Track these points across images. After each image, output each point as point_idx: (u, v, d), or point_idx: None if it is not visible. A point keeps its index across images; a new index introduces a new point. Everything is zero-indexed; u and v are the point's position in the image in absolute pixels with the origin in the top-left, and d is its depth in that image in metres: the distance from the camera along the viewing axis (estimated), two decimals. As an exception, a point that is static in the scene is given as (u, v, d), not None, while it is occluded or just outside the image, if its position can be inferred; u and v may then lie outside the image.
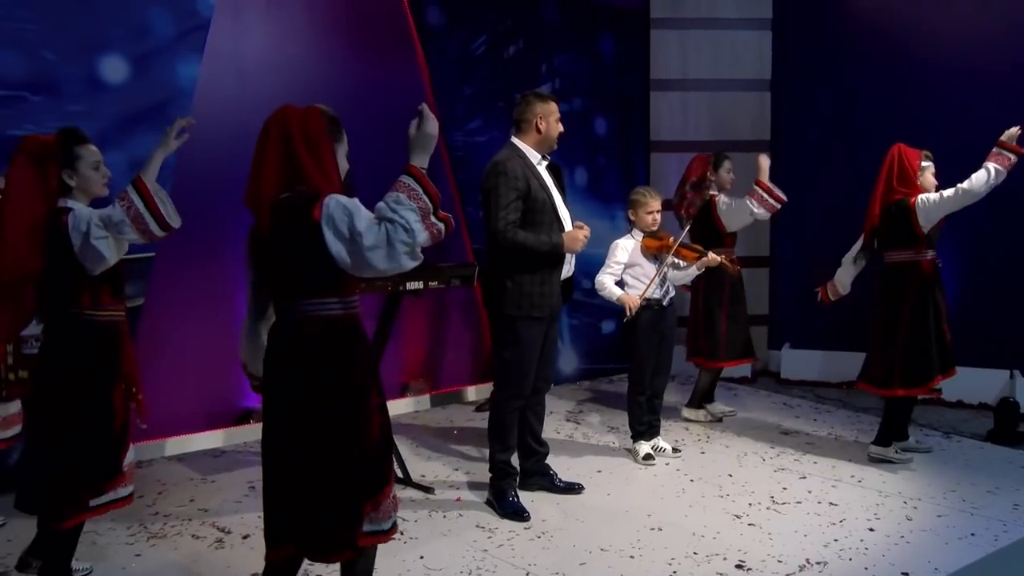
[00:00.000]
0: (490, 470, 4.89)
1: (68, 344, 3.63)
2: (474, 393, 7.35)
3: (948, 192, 5.20)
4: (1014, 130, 5.10)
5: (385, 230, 2.83)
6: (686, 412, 6.68)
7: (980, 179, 5.10)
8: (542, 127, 4.70)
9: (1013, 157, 5.07)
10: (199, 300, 5.84)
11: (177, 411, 5.79)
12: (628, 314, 5.34)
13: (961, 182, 5.16)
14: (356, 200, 2.92)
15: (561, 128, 4.75)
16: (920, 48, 7.51)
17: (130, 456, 3.80)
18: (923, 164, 5.43)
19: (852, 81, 7.85)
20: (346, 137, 3.15)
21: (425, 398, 7.12)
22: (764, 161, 6.40)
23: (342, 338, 3.02)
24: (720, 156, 6.56)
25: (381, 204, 2.86)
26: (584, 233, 4.68)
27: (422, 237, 2.86)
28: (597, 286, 5.51)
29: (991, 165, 5.07)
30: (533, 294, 4.66)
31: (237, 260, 5.70)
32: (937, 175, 5.50)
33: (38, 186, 3.62)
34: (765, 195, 6.28)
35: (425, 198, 2.88)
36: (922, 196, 5.28)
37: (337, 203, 2.90)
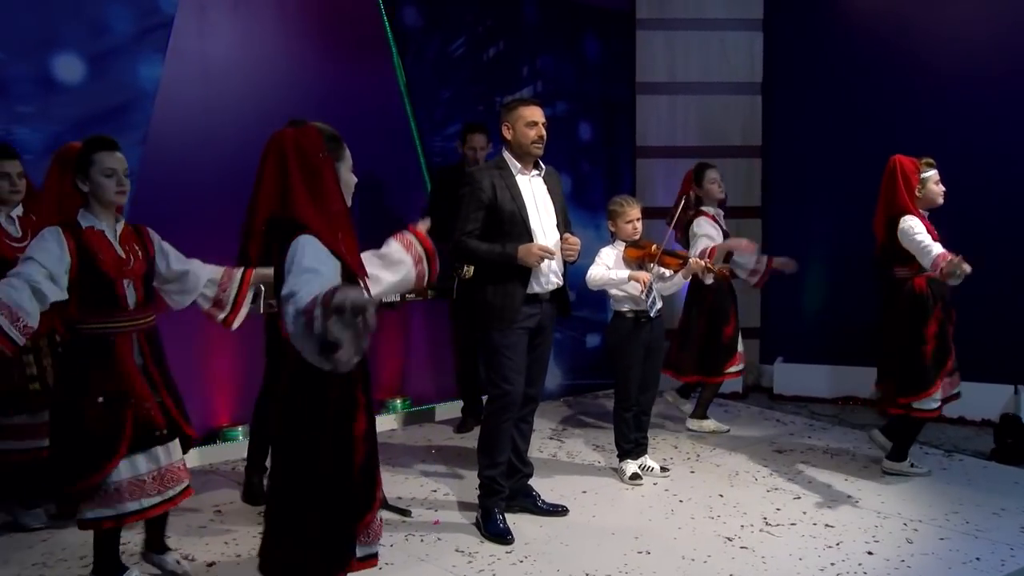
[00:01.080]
0: (479, 487, 4.87)
1: (61, 352, 4.16)
2: (452, 410, 7.26)
3: (918, 239, 5.28)
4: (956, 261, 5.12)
5: (301, 323, 2.62)
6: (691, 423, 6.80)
7: (926, 256, 5.25)
8: (509, 135, 4.74)
9: (946, 274, 5.17)
10: (167, 315, 5.71)
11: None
12: (643, 288, 5.31)
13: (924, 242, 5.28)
14: (324, 258, 2.92)
15: (535, 133, 4.71)
16: (919, 49, 7.51)
17: (122, 473, 3.83)
18: (923, 174, 5.47)
19: (848, 83, 7.84)
20: (348, 152, 3.23)
21: (401, 415, 7.05)
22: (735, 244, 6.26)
23: (306, 371, 2.96)
24: (700, 168, 6.56)
25: (316, 297, 2.58)
26: (539, 247, 4.63)
27: (327, 367, 2.61)
28: (593, 281, 5.44)
29: (940, 262, 5.16)
30: (495, 306, 4.70)
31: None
32: (948, 184, 5.54)
33: (56, 193, 3.90)
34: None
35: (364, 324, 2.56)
36: (906, 219, 5.36)
37: (303, 249, 2.92)
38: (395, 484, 5.51)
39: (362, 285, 3.11)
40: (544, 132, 4.73)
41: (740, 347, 6.67)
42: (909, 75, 7.51)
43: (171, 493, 3.98)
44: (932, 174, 5.49)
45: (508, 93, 7.36)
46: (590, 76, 8.15)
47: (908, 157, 5.48)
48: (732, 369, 6.62)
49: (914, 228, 5.32)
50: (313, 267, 2.87)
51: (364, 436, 3.15)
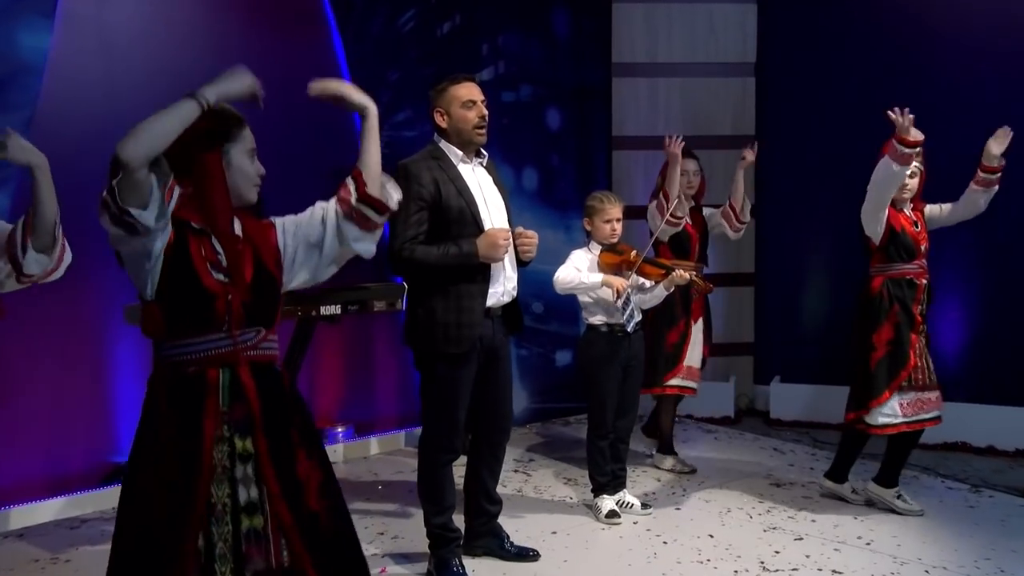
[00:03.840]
0: (428, 536, 4.79)
1: None
2: (404, 440, 7.21)
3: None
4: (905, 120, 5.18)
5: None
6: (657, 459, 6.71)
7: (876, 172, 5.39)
8: (444, 122, 4.62)
9: (904, 149, 5.19)
10: (54, 327, 5.59)
11: (19, 471, 5.48)
12: (616, 297, 5.26)
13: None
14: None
15: (475, 115, 4.58)
16: (938, 24, 7.44)
17: None
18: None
19: (855, 64, 7.79)
20: (248, 133, 3.04)
21: (341, 448, 6.95)
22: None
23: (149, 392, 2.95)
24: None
25: None
26: (506, 235, 4.46)
27: None
28: (561, 282, 5.35)
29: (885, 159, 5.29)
30: (448, 324, 4.51)
31: (103, 277, 5.49)
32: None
33: None
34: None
35: None
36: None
37: None
38: (333, 527, 5.36)
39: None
40: (485, 111, 4.60)
41: (694, 362, 6.54)
42: (926, 55, 7.45)
43: None
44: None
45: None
46: (559, 56, 8.12)
47: None
48: (673, 382, 6.50)
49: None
50: None
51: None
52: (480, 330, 4.56)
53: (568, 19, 8.14)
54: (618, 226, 5.45)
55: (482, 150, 4.70)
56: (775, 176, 8.13)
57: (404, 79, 7.17)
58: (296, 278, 3.11)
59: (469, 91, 4.57)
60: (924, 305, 5.54)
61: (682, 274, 5.48)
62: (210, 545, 2.75)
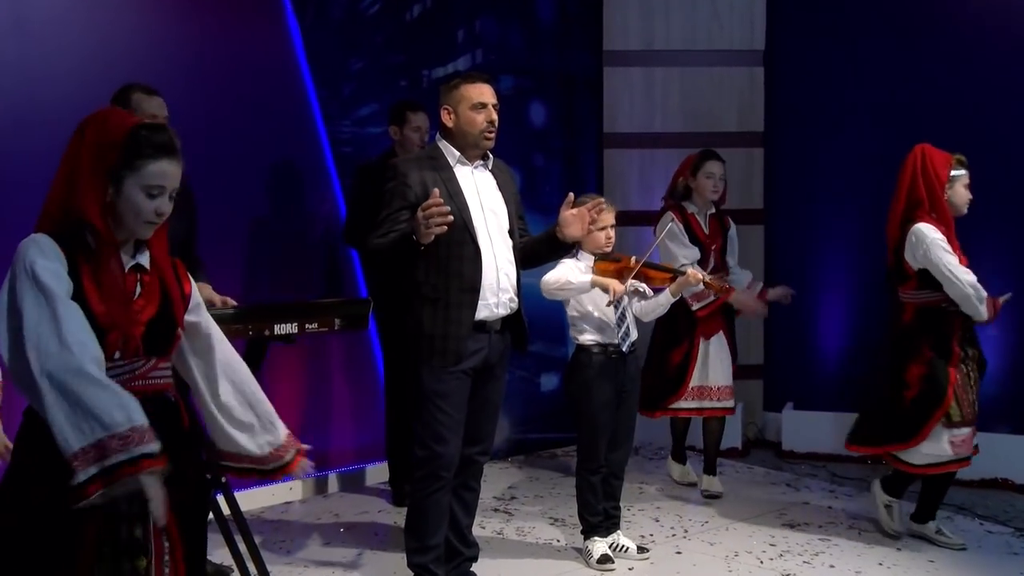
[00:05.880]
0: None
1: None
2: (367, 476, 7.15)
3: (947, 261, 5.41)
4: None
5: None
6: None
7: (961, 294, 5.44)
8: (450, 121, 4.74)
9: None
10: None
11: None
12: (612, 298, 5.19)
13: (955, 273, 5.41)
14: (47, 286, 2.79)
15: (484, 118, 4.69)
16: (963, 11, 7.44)
17: None
18: (953, 172, 5.57)
19: (875, 53, 7.79)
20: (163, 166, 2.96)
21: (299, 484, 6.85)
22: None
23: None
24: (703, 155, 6.63)
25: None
26: (425, 205, 4.28)
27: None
28: (548, 284, 5.28)
29: (982, 310, 5.49)
30: (435, 336, 4.62)
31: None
32: (982, 181, 5.59)
33: None
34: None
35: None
36: (922, 227, 5.48)
37: (20, 260, 2.83)
38: (291, 575, 5.36)
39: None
40: (495, 116, 4.73)
41: (709, 380, 6.67)
42: (956, 43, 7.44)
43: None
44: (963, 175, 5.58)
45: (438, 65, 7.36)
46: (544, 43, 8.14)
47: (938, 149, 5.54)
48: (677, 405, 6.69)
49: (934, 238, 5.43)
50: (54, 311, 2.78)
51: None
52: (471, 344, 4.62)
53: (553, 1, 8.14)
54: (612, 233, 5.41)
55: (488, 152, 4.81)
56: (786, 177, 8.18)
57: (368, 69, 7.17)
58: None
59: (481, 93, 4.69)
60: (966, 332, 5.56)
61: (694, 274, 5.52)
62: None
